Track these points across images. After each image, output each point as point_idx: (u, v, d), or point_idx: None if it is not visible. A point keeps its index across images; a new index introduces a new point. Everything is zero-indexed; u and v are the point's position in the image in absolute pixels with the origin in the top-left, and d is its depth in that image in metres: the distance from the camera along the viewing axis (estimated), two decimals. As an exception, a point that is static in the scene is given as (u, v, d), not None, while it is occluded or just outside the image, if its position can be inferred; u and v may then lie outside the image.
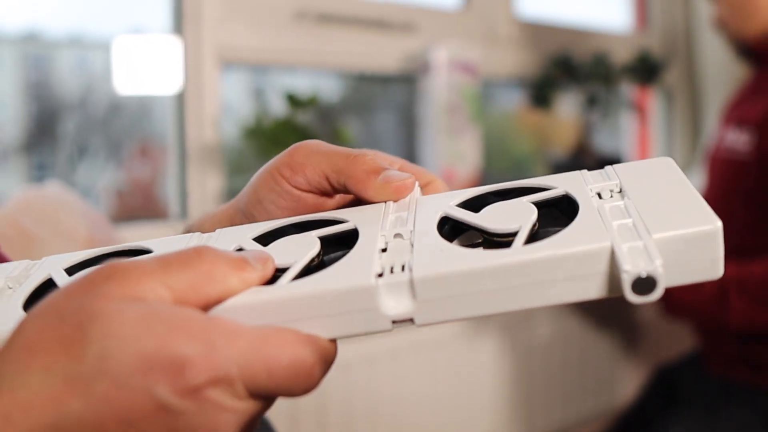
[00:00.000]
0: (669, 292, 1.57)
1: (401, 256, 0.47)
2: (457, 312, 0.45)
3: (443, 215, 0.51)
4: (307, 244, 0.50)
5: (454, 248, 0.47)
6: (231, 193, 1.75)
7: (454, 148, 1.91)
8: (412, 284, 0.44)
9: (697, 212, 0.45)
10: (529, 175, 2.56)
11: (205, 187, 1.68)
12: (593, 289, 0.44)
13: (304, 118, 1.62)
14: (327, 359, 0.44)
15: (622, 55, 2.35)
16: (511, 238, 0.47)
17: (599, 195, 0.50)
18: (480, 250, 0.46)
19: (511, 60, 2.28)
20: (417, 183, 0.55)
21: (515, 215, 0.48)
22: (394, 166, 0.57)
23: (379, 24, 1.96)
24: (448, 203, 0.52)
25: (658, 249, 0.43)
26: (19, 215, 1.25)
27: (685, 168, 2.46)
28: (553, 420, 2.08)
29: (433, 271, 0.44)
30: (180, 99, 1.68)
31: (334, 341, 0.45)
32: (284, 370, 0.41)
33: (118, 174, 1.84)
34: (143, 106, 1.90)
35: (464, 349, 1.87)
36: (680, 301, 1.62)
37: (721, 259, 0.44)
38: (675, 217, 0.45)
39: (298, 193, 0.56)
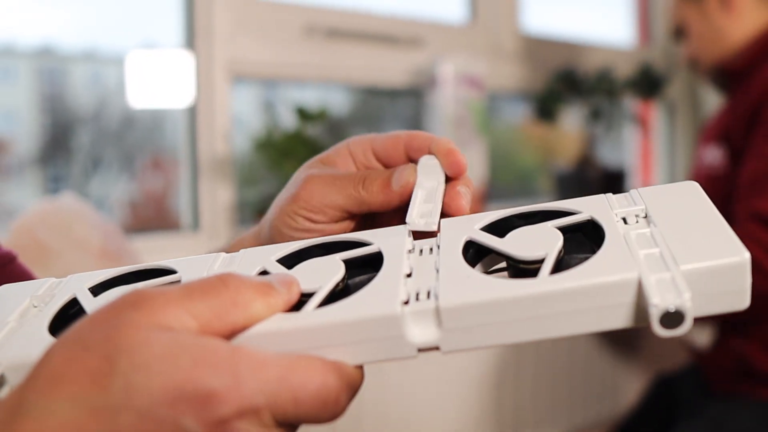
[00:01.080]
0: None
1: (427, 281, 0.46)
2: (483, 340, 0.44)
3: (468, 239, 0.50)
4: (332, 268, 0.49)
5: (480, 276, 0.46)
6: (242, 204, 1.75)
7: (461, 160, 1.91)
8: (438, 313, 0.44)
9: (724, 243, 0.44)
10: (534, 187, 2.57)
11: (217, 199, 1.68)
12: (619, 320, 0.43)
13: (313, 131, 1.63)
14: (353, 386, 0.44)
15: (625, 70, 2.35)
16: (536, 266, 0.46)
17: (624, 220, 0.49)
18: (506, 280, 0.45)
19: (516, 74, 2.28)
20: (441, 172, 0.56)
21: (540, 241, 0.48)
22: (396, 150, 0.59)
23: (386, 38, 1.96)
24: (473, 227, 0.51)
25: (686, 281, 0.42)
26: (35, 226, 1.25)
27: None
28: (556, 427, 2.07)
29: (460, 300, 0.44)
30: (192, 112, 1.69)
31: (359, 368, 0.45)
32: (311, 398, 0.41)
33: (131, 186, 1.84)
34: (156, 120, 1.90)
35: (468, 356, 1.86)
36: None
37: (748, 290, 0.43)
38: (703, 248, 0.44)
39: (321, 226, 0.57)
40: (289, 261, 0.52)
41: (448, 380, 1.82)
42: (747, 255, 0.42)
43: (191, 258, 0.55)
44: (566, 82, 2.17)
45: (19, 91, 1.71)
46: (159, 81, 1.73)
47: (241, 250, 0.54)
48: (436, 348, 0.44)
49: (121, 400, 0.38)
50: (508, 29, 2.26)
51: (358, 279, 0.50)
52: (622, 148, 2.81)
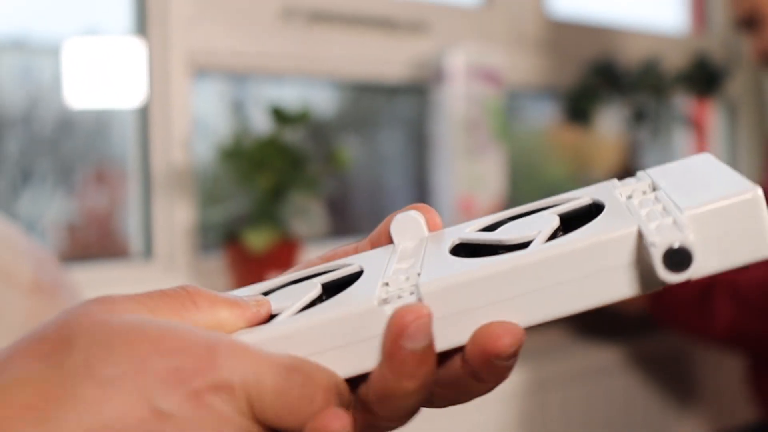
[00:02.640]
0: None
1: (409, 282, 0.48)
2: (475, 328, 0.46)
3: (457, 242, 0.52)
4: (307, 289, 0.52)
5: (465, 260, 0.48)
6: (205, 227, 1.75)
7: (474, 171, 1.92)
8: (420, 300, 0.46)
9: (731, 184, 0.46)
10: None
11: (174, 220, 1.68)
12: (625, 285, 0.45)
13: (293, 136, 1.63)
14: (343, 400, 0.47)
15: (675, 61, 2.36)
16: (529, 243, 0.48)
17: (630, 197, 0.51)
18: (493, 257, 0.47)
19: (541, 66, 2.29)
20: (423, 219, 0.55)
21: (535, 225, 0.50)
22: None
23: (383, 23, 1.97)
24: (463, 230, 0.53)
25: (690, 223, 0.43)
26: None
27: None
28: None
29: (443, 282, 0.46)
30: (143, 114, 1.69)
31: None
32: (295, 399, 0.44)
33: (70, 204, 1.85)
34: (99, 123, 1.91)
35: (519, 404, 1.86)
36: (662, 299, 1.70)
37: (766, 232, 0.44)
38: (707, 193, 0.45)
39: None
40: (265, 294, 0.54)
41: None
42: (759, 191, 0.44)
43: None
44: (603, 76, 2.18)
45: (-69, 88, 1.72)
46: (103, 75, 1.74)
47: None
48: None
49: (81, 373, 0.41)
50: (531, 12, 2.28)
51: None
52: (672, 156, 2.82)
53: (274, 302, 0.51)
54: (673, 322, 1.78)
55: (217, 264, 1.67)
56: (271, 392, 0.43)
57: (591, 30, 2.42)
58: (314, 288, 0.51)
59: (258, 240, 1.52)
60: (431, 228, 0.54)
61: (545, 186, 2.61)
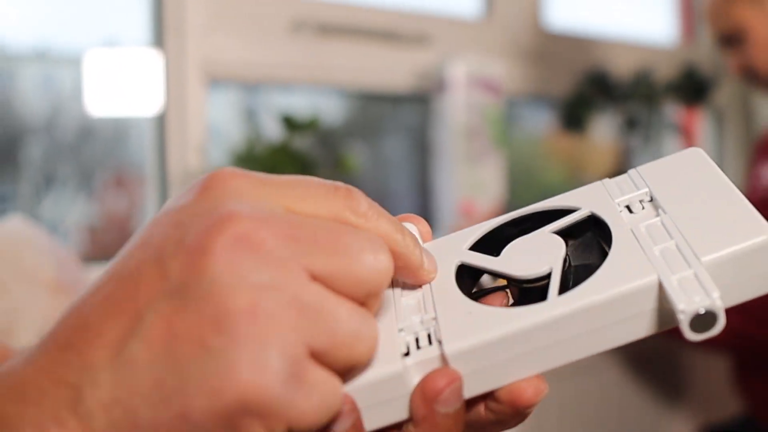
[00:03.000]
0: None
1: (425, 321, 0.46)
2: (500, 379, 0.45)
3: (459, 263, 0.50)
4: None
5: (482, 309, 0.46)
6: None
7: (474, 177, 1.91)
8: (445, 361, 0.45)
9: (744, 221, 0.45)
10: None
11: (189, 222, 1.67)
12: (643, 329, 0.44)
13: (302, 143, 1.63)
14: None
15: (665, 72, 2.35)
16: (542, 282, 0.47)
17: (629, 209, 0.50)
18: (512, 309, 0.46)
19: (538, 76, 2.28)
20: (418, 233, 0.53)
21: (541, 254, 0.48)
22: None
23: (388, 35, 1.97)
24: (461, 247, 0.51)
25: (711, 275, 0.43)
26: (-24, 254, 1.25)
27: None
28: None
29: (467, 343, 0.44)
30: (160, 121, 1.69)
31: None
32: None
33: (90, 207, 1.84)
34: (118, 130, 1.91)
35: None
36: None
37: None
38: (721, 231, 0.45)
39: None
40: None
41: None
42: (765, 230, 0.43)
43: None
44: (597, 85, 2.17)
45: (-41, 97, 1.72)
46: (122, 85, 1.74)
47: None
48: None
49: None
50: (528, 24, 2.27)
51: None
52: (663, 162, 2.81)
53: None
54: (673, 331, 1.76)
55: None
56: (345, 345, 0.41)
57: (585, 42, 2.42)
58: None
59: (269, 241, 1.51)
60: (424, 238, 0.52)
61: (543, 190, 2.60)
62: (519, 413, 0.46)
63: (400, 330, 0.46)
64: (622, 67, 2.33)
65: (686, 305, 0.41)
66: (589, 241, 0.50)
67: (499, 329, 0.44)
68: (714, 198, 0.47)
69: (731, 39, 1.78)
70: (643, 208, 0.50)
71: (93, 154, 1.87)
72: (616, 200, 0.50)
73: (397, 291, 0.49)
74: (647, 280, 0.43)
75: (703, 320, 0.41)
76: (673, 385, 2.15)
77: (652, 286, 0.43)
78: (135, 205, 1.87)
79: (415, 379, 0.44)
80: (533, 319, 0.44)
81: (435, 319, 0.46)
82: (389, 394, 0.44)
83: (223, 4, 1.72)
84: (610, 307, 0.44)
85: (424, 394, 0.44)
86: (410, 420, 0.45)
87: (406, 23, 2.01)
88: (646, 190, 0.50)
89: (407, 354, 0.45)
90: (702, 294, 0.42)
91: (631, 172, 0.53)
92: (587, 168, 2.57)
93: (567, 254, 0.48)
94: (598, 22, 2.52)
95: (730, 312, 1.37)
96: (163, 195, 1.69)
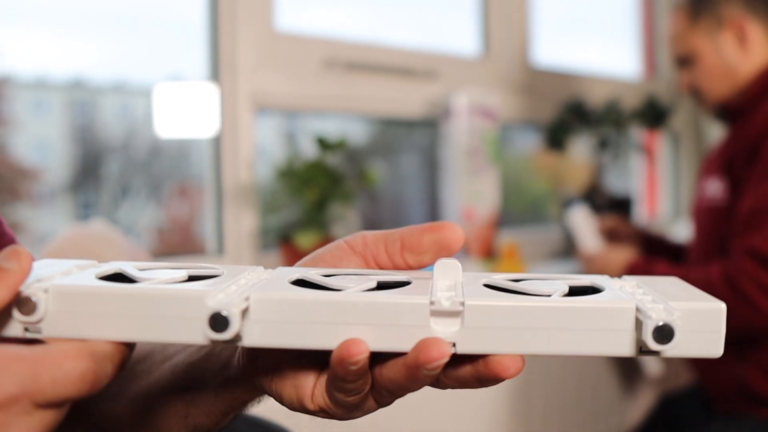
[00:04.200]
0: None
1: (453, 298, 0.47)
2: (498, 345, 0.47)
3: (485, 283, 0.52)
4: (365, 280, 0.50)
5: (497, 293, 0.49)
6: (265, 230, 1.74)
7: (474, 188, 1.91)
8: (463, 310, 0.46)
9: (704, 298, 0.49)
10: (544, 214, 2.56)
11: (241, 225, 1.68)
12: (621, 346, 0.47)
13: (333, 160, 1.63)
14: (111, 359, 0.44)
15: (631, 101, 2.34)
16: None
17: (621, 288, 0.53)
18: (525, 296, 0.48)
19: (527, 105, 2.28)
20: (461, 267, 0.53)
21: (551, 286, 0.51)
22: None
23: (403, 71, 1.96)
24: (490, 277, 0.53)
25: (677, 315, 0.46)
26: (66, 251, 1.25)
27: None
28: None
29: (485, 302, 0.46)
30: (216, 142, 1.69)
31: (114, 343, 0.45)
32: (67, 380, 0.41)
33: (159, 212, 1.84)
34: (182, 149, 1.91)
35: (507, 382, 1.85)
36: None
37: (722, 338, 0.47)
38: (687, 298, 0.48)
39: None
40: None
41: (458, 399, 1.81)
42: (723, 305, 0.47)
43: (235, 266, 0.55)
44: (575, 113, 2.16)
45: (51, 123, 1.72)
46: (185, 112, 1.73)
47: (278, 268, 0.55)
48: (453, 345, 0.46)
49: None
50: (519, 62, 2.27)
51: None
52: (629, 176, 2.80)
53: (336, 283, 0.49)
54: None
55: (275, 259, 1.66)
56: (50, 386, 0.41)
57: (565, 76, 2.41)
58: (371, 282, 0.50)
59: (306, 240, 1.51)
60: (459, 242, 0.53)
61: (530, 199, 2.60)
62: (497, 381, 0.48)
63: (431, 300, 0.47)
64: (595, 97, 2.32)
65: (654, 315, 0.45)
66: (587, 291, 0.52)
67: (515, 301, 0.47)
68: (684, 289, 0.52)
69: (686, 60, 1.77)
70: (632, 288, 0.53)
71: (161, 169, 1.87)
72: (612, 282, 0.54)
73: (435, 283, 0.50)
74: (627, 304, 0.46)
75: (664, 333, 0.44)
76: (638, 361, 2.14)
77: (630, 310, 0.46)
78: (195, 211, 1.87)
79: (434, 319, 0.46)
80: (540, 303, 0.46)
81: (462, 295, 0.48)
82: (408, 321, 0.46)
83: (268, 45, 1.72)
84: (595, 313, 0.46)
85: (418, 355, 0.45)
86: (403, 358, 0.47)
87: (419, 61, 2.00)
88: (636, 282, 0.54)
89: (433, 303, 0.46)
90: (667, 313, 0.45)
91: (625, 276, 0.57)
92: (567, 181, 2.56)
93: (568, 293, 0.50)
94: (576, 60, 2.51)
95: None
96: (220, 203, 1.69)
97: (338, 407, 0.51)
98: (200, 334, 0.44)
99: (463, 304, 0.46)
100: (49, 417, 0.42)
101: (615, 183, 2.53)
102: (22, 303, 0.44)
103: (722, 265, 1.54)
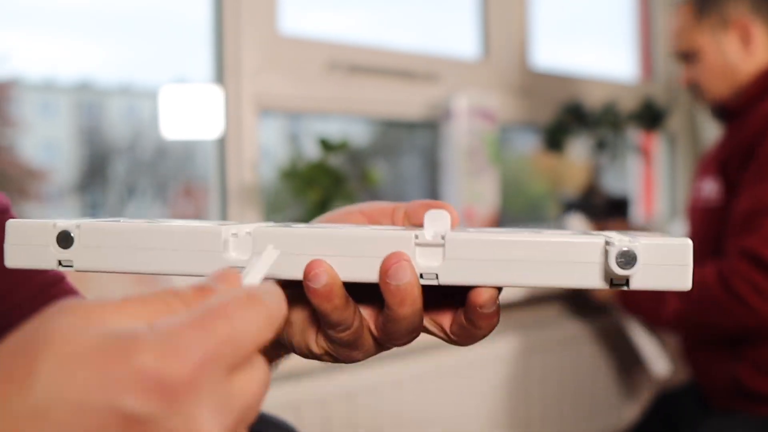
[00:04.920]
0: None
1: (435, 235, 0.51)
2: (479, 277, 0.49)
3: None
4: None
5: (482, 231, 0.53)
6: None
7: (474, 188, 1.91)
8: (444, 243, 0.49)
9: (672, 238, 0.50)
10: (543, 214, 2.56)
11: (244, 225, 1.67)
12: (590, 277, 0.48)
13: (335, 161, 1.63)
14: (276, 293, 0.38)
15: (628, 103, 2.35)
16: None
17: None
18: (500, 234, 0.51)
19: (526, 107, 2.28)
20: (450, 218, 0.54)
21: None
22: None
23: (404, 74, 1.97)
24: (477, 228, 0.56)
25: (642, 248, 0.47)
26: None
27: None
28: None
29: (463, 236, 0.49)
30: (221, 143, 1.69)
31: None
32: (262, 323, 0.36)
33: (164, 212, 1.85)
34: (187, 150, 1.91)
35: (475, 369, 1.85)
36: (626, 294, 1.73)
37: (690, 272, 0.48)
38: (657, 238, 0.50)
39: None
40: None
41: (455, 393, 1.81)
42: (689, 241, 0.48)
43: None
44: (573, 114, 2.17)
45: (59, 124, 1.72)
46: (190, 114, 1.74)
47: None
48: (435, 276, 0.49)
49: (48, 396, 0.32)
50: (518, 65, 2.27)
51: None
52: (626, 176, 2.80)
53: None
54: (633, 310, 1.76)
55: (277, 259, 1.66)
56: (254, 331, 0.35)
57: (563, 79, 2.41)
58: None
59: (309, 240, 1.51)
60: (454, 222, 0.54)
61: (529, 199, 2.60)
62: (481, 314, 0.51)
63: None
64: (593, 99, 2.32)
65: (617, 242, 0.47)
66: None
67: (494, 235, 0.49)
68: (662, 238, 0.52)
69: (688, 56, 1.75)
70: None
71: (167, 170, 1.87)
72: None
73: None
74: (596, 239, 0.48)
75: (627, 257, 0.46)
76: (635, 358, 2.14)
77: (600, 244, 0.48)
78: (200, 211, 1.87)
79: (417, 252, 0.49)
80: (514, 236, 0.49)
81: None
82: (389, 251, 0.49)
83: (271, 48, 1.72)
84: (567, 247, 0.48)
85: (381, 266, 0.49)
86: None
87: (419, 64, 2.01)
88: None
89: (417, 237, 0.49)
90: (630, 239, 0.47)
91: None
92: (565, 181, 2.57)
93: None
94: (574, 62, 2.51)
95: (676, 300, 1.37)
96: (224, 203, 1.69)
97: (336, 347, 0.54)
98: (214, 265, 0.48)
99: (444, 237, 0.49)
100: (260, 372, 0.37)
101: (612, 183, 2.53)
102: (61, 237, 0.48)
103: (717, 266, 1.54)
